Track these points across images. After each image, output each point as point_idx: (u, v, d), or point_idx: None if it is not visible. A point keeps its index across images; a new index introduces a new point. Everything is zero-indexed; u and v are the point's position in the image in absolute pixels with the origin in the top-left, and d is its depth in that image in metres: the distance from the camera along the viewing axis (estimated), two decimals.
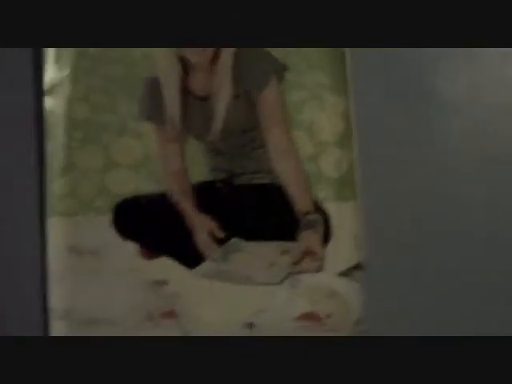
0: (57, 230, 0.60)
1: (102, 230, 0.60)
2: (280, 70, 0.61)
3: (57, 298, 0.59)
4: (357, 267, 0.59)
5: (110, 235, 0.60)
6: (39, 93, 0.62)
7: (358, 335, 0.58)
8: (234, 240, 0.60)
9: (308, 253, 0.59)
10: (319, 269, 0.59)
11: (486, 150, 0.64)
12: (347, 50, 0.61)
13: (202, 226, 0.60)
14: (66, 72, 0.61)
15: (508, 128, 0.64)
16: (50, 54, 0.61)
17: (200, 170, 0.61)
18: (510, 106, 0.65)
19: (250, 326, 0.58)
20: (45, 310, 0.59)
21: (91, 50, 0.61)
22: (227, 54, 0.61)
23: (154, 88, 0.61)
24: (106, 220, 0.60)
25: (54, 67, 0.61)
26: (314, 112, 0.61)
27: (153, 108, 0.61)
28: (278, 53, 0.61)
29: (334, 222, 0.60)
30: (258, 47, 0.61)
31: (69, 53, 0.61)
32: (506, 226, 0.62)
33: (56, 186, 0.60)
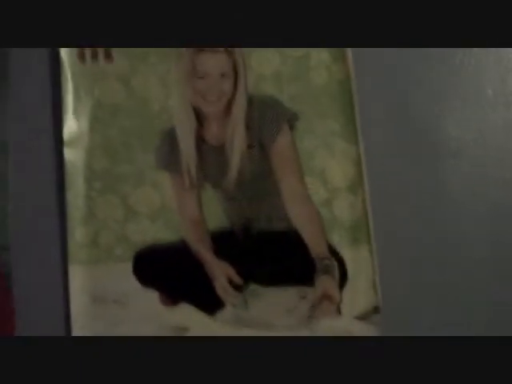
0: (79, 278, 0.61)
1: (122, 278, 0.61)
2: (291, 118, 0.63)
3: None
4: (373, 310, 0.60)
5: (131, 283, 0.61)
6: (59, 143, 0.63)
7: None
8: (252, 286, 0.61)
9: (325, 297, 0.60)
10: (337, 313, 0.60)
11: (491, 195, 0.65)
12: (356, 98, 0.63)
13: (221, 273, 0.61)
14: (85, 123, 0.63)
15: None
16: (69, 104, 0.63)
17: (217, 217, 0.62)
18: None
19: None
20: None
21: (108, 101, 0.63)
22: (240, 103, 0.63)
23: (170, 138, 0.63)
24: (126, 268, 0.61)
25: (73, 118, 0.63)
26: (326, 159, 0.63)
27: (169, 157, 0.62)
28: (288, 102, 0.63)
29: (350, 266, 0.61)
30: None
31: (87, 104, 0.63)
32: (504, 264, 0.64)
33: (77, 235, 0.62)
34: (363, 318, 0.60)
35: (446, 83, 0.66)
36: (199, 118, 0.63)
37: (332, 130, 0.62)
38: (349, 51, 0.63)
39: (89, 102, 0.63)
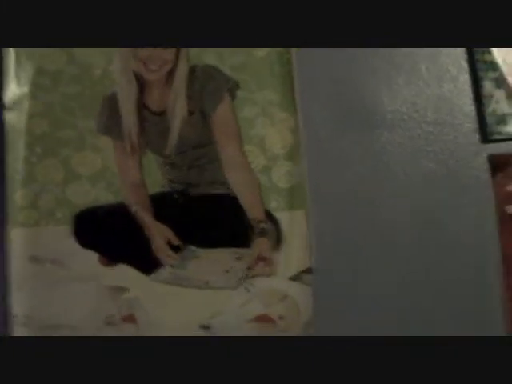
0: (18, 240, 0.61)
1: (62, 239, 0.61)
2: (232, 87, 0.64)
3: (19, 305, 0.60)
4: (307, 271, 0.62)
5: (70, 244, 0.61)
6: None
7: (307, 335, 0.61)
8: (190, 247, 0.62)
9: (261, 258, 0.62)
10: (271, 273, 0.62)
11: (422, 166, 0.68)
12: (295, 70, 0.65)
13: (159, 235, 0.62)
14: (26, 88, 0.63)
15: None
16: (10, 70, 0.63)
17: (157, 181, 0.64)
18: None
19: (207, 328, 0.60)
20: (6, 316, 0.60)
21: (50, 67, 0.63)
22: (182, 72, 0.64)
23: (111, 104, 0.63)
24: (66, 230, 0.62)
25: (14, 83, 0.63)
26: (265, 127, 0.64)
27: (111, 123, 0.63)
28: (230, 72, 0.64)
29: (285, 229, 0.63)
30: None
31: (27, 70, 0.63)
32: (434, 230, 0.66)
33: (17, 197, 0.62)
34: (297, 278, 0.61)
35: (383, 58, 0.69)
36: (141, 84, 0.64)
37: (271, 100, 0.64)
38: None
39: (30, 67, 0.63)
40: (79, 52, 0.64)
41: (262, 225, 0.62)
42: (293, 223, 0.63)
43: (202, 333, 0.60)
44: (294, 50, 0.65)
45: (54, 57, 0.63)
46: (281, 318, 0.61)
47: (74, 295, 0.60)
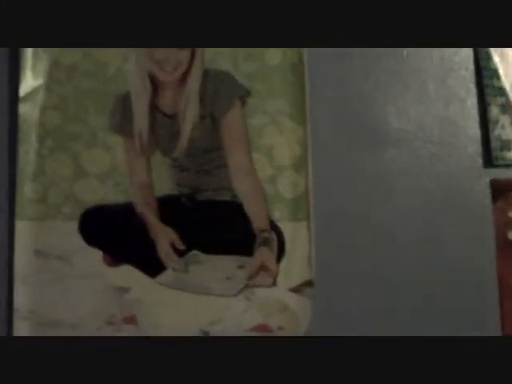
0: (25, 233, 0.62)
1: (68, 235, 0.62)
2: (243, 94, 0.65)
3: (21, 299, 0.61)
4: (307, 284, 0.63)
5: (76, 241, 0.62)
6: (14, 99, 0.63)
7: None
8: (193, 252, 0.63)
9: (263, 268, 0.63)
10: (272, 284, 0.63)
11: (424, 186, 0.69)
12: (307, 83, 0.66)
13: (164, 237, 0.63)
14: (41, 81, 0.63)
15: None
16: (27, 62, 0.63)
17: (165, 184, 0.64)
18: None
19: (207, 333, 0.61)
20: (10, 310, 0.61)
21: (66, 61, 0.64)
22: (195, 75, 0.64)
23: (124, 102, 0.64)
24: (72, 226, 0.62)
25: (30, 75, 0.63)
26: (273, 136, 0.65)
27: (122, 121, 0.64)
28: (242, 79, 0.65)
29: (288, 240, 0.64)
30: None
31: (44, 63, 0.63)
32: (433, 250, 0.68)
33: (26, 190, 0.62)
34: (297, 290, 0.63)
35: (391, 76, 0.70)
36: (154, 85, 0.64)
37: (282, 110, 0.65)
38: None
39: (47, 59, 0.63)
40: (95, 49, 0.64)
41: (266, 234, 0.63)
42: (295, 234, 0.64)
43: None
44: (306, 65, 0.66)
45: (71, 51, 0.63)
46: (280, 328, 0.62)
47: (77, 293, 0.61)
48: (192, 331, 0.61)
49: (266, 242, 0.63)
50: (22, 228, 0.61)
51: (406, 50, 0.69)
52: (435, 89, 0.70)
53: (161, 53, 0.63)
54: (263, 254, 0.63)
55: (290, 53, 0.65)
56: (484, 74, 0.71)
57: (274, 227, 0.64)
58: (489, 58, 0.70)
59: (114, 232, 0.63)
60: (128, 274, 0.62)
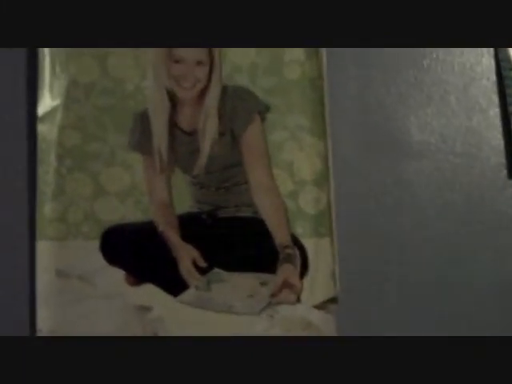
0: (45, 254, 0.61)
1: (89, 255, 0.62)
2: (263, 110, 0.64)
3: (44, 319, 0.60)
4: (331, 301, 0.62)
5: (97, 260, 0.62)
6: (33, 118, 0.63)
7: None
8: (216, 270, 0.62)
9: (286, 285, 0.62)
10: (296, 301, 0.62)
11: (446, 197, 0.69)
12: (326, 96, 0.65)
13: (186, 255, 0.63)
14: (60, 100, 0.63)
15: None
16: (45, 82, 0.63)
17: (185, 201, 0.64)
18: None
19: None
20: (32, 331, 0.61)
21: (84, 80, 0.64)
22: (214, 92, 0.64)
23: (143, 120, 0.64)
24: (93, 246, 0.62)
25: (48, 94, 0.63)
26: (294, 152, 0.64)
27: (141, 139, 0.63)
28: (261, 94, 0.64)
29: (311, 256, 0.63)
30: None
31: (62, 82, 0.63)
32: (454, 263, 0.67)
33: (46, 210, 0.62)
34: (321, 307, 0.62)
35: (413, 87, 0.69)
36: (173, 102, 0.64)
37: (301, 125, 0.64)
38: (323, 50, 0.65)
39: (64, 78, 0.63)
40: (113, 65, 0.64)
41: (288, 250, 0.62)
42: (318, 250, 0.63)
43: None
44: (325, 78, 0.65)
45: (88, 69, 0.63)
46: None
47: (99, 313, 0.60)
48: None
49: (288, 259, 0.62)
50: (42, 248, 0.61)
51: (428, 57, 0.68)
52: (457, 99, 0.69)
53: (179, 69, 0.63)
54: (286, 271, 0.62)
55: (308, 66, 0.64)
56: (506, 84, 0.70)
57: (296, 243, 0.63)
58: (511, 67, 0.69)
59: (135, 251, 0.63)
60: (150, 293, 0.61)
